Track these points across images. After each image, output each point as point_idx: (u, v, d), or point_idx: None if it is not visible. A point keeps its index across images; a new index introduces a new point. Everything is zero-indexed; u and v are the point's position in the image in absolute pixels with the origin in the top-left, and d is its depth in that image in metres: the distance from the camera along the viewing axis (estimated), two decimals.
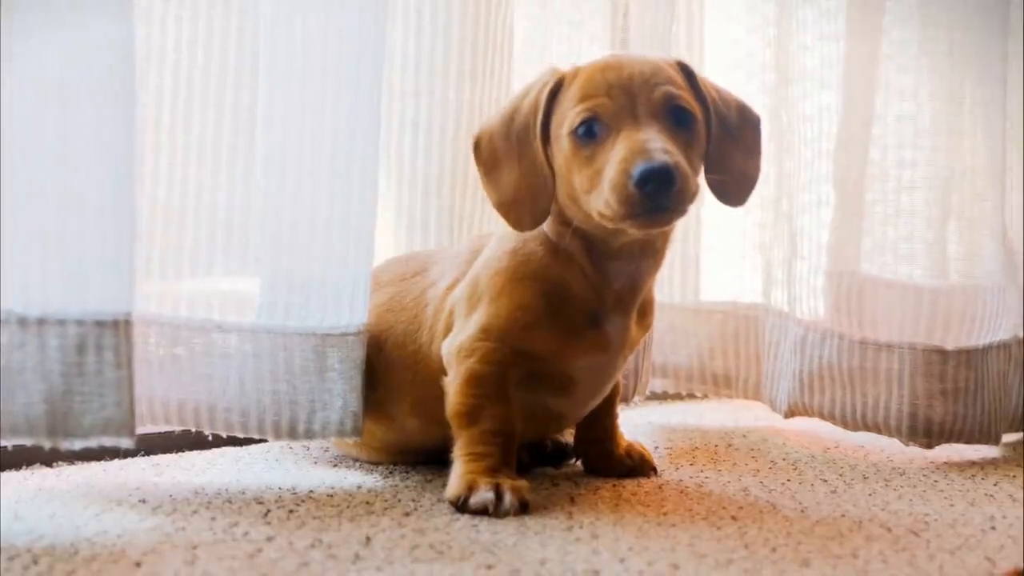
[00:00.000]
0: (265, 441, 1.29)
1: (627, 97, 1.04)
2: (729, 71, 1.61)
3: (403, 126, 1.37)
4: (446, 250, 1.26)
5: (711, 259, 1.65)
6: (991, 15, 1.44)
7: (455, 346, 1.11)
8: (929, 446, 1.40)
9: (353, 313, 1.15)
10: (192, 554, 0.90)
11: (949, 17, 1.43)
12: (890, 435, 1.40)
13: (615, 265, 1.11)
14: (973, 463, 1.36)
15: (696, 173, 1.06)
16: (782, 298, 1.50)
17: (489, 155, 1.11)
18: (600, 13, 1.52)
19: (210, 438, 1.21)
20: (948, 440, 1.39)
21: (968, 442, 1.40)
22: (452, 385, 1.11)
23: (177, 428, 1.16)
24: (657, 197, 0.99)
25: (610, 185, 1.00)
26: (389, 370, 1.18)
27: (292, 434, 1.15)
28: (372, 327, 1.18)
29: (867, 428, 1.42)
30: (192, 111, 1.16)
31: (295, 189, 1.13)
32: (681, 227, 1.59)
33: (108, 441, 0.99)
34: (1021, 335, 1.49)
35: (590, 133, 1.04)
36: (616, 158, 1.01)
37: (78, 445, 0.98)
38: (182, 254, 1.16)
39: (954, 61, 1.43)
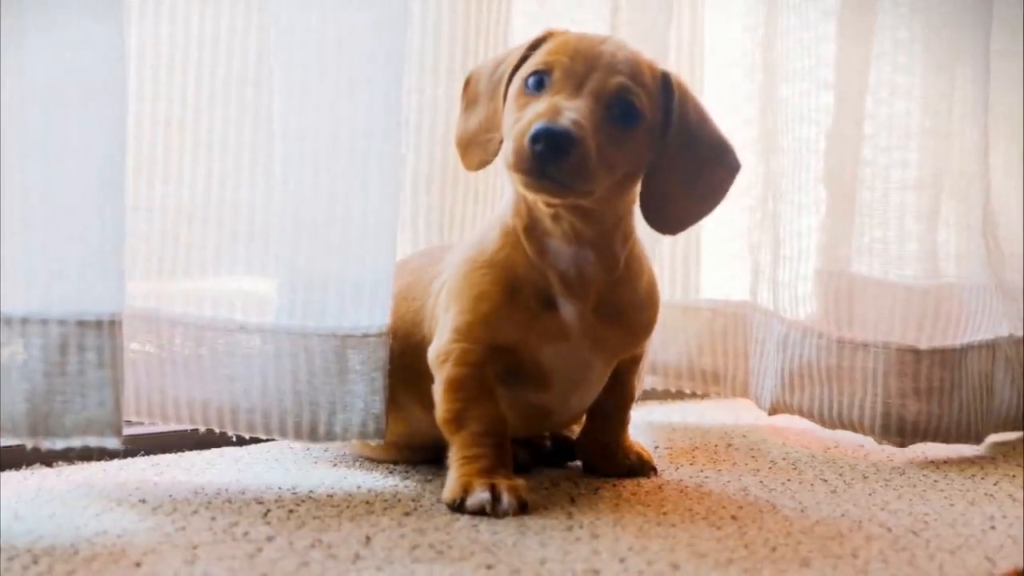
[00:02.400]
0: (267, 441, 1.29)
1: (585, 67, 1.05)
2: (727, 69, 1.61)
3: None
4: (459, 243, 1.27)
5: (706, 258, 1.65)
6: (978, 14, 1.44)
7: (435, 352, 1.12)
8: (902, 445, 1.40)
9: (374, 313, 1.15)
10: (192, 554, 0.90)
11: (940, 15, 1.43)
12: (864, 433, 1.41)
13: (554, 244, 1.10)
14: (973, 463, 1.36)
15: (612, 169, 1.04)
16: (767, 296, 1.50)
17: (473, 93, 1.15)
18: (599, 11, 1.52)
19: (233, 438, 1.20)
20: (923, 439, 1.39)
21: (945, 441, 1.40)
22: (437, 392, 1.11)
23: (202, 428, 1.17)
24: (544, 161, 0.99)
25: (514, 134, 1.01)
26: (400, 357, 1.18)
27: (313, 436, 1.15)
28: (391, 313, 1.18)
29: (843, 426, 1.42)
30: (215, 109, 1.16)
31: (314, 187, 1.14)
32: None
33: (92, 441, 0.99)
34: (1018, 335, 1.50)
35: (539, 85, 1.05)
36: (530, 112, 1.02)
37: (60, 445, 0.98)
38: (205, 253, 1.16)
39: (941, 60, 1.43)
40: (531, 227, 1.11)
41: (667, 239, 1.59)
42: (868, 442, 1.46)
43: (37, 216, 0.97)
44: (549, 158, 0.99)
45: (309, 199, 1.14)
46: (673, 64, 1.53)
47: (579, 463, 1.27)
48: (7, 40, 0.95)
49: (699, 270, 1.63)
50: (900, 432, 1.39)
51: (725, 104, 1.60)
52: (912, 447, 1.42)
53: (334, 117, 1.13)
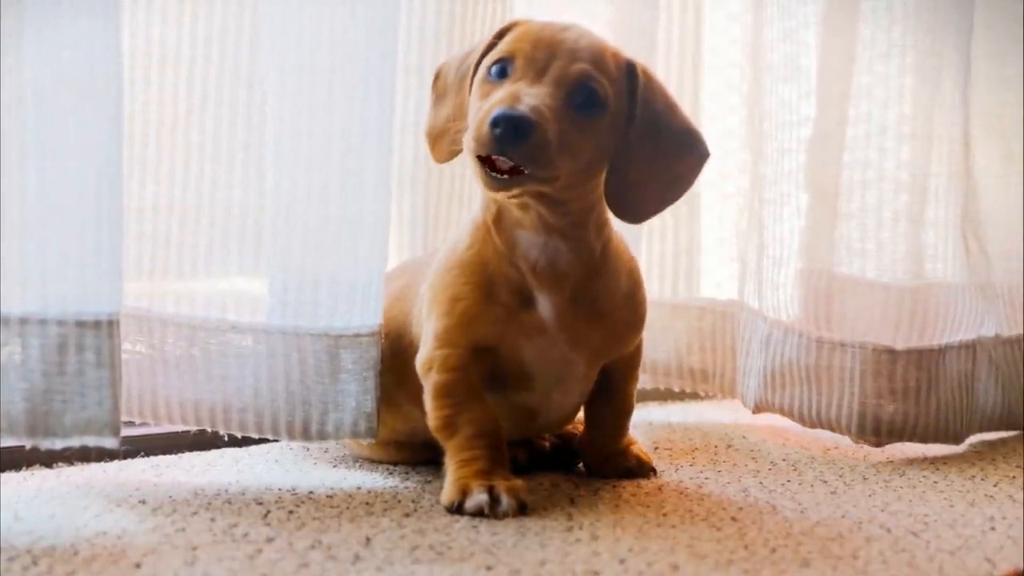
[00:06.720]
0: (267, 441, 1.29)
1: (546, 55, 1.05)
2: (725, 70, 1.61)
3: None
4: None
5: (704, 257, 1.65)
6: (960, 16, 1.45)
7: (420, 361, 1.12)
8: (878, 444, 1.41)
9: (366, 313, 1.15)
10: (192, 555, 0.90)
11: (922, 19, 1.43)
12: (841, 433, 1.41)
13: (523, 234, 1.10)
14: (973, 464, 1.36)
15: (575, 156, 1.04)
16: (754, 295, 1.51)
17: (442, 86, 1.15)
18: (594, 11, 1.52)
19: (226, 437, 1.20)
20: (899, 439, 1.40)
21: (923, 441, 1.41)
22: (426, 401, 1.11)
23: (194, 428, 1.18)
24: (504, 145, 0.99)
25: (475, 121, 1.02)
26: (393, 357, 1.18)
27: (306, 435, 1.16)
28: (385, 314, 1.18)
29: (821, 426, 1.42)
30: (207, 109, 1.16)
31: (306, 187, 1.14)
32: (658, 225, 1.59)
33: (91, 441, 0.99)
34: (1004, 335, 1.50)
35: (501, 73, 1.05)
36: (492, 99, 1.02)
37: (59, 445, 0.98)
38: (197, 253, 1.17)
39: (924, 63, 1.44)
40: (499, 218, 1.11)
41: (659, 236, 1.59)
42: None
43: (35, 216, 0.97)
44: (508, 142, 0.98)
45: (302, 199, 1.14)
46: (663, 63, 1.54)
47: (581, 465, 1.26)
48: (6, 40, 0.95)
49: (698, 268, 1.63)
50: (876, 432, 1.40)
51: (723, 104, 1.60)
52: (913, 448, 1.42)
53: (327, 117, 1.14)
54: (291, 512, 1.04)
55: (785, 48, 1.46)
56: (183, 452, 1.28)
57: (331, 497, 1.11)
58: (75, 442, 0.99)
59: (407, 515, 1.04)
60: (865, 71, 1.45)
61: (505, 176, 1.01)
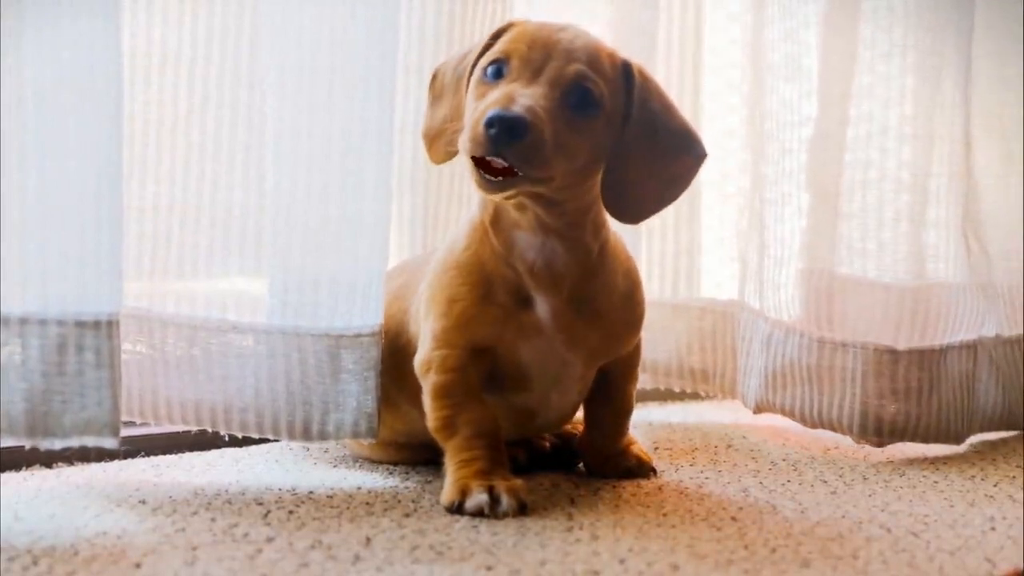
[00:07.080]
0: (267, 441, 1.29)
1: (542, 56, 1.05)
2: (725, 70, 1.61)
3: None
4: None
5: (706, 257, 1.65)
6: (961, 17, 1.45)
7: (419, 361, 1.12)
8: (880, 445, 1.41)
9: (367, 313, 1.15)
10: (192, 555, 0.90)
11: (924, 20, 1.43)
12: (843, 433, 1.42)
13: (521, 235, 1.10)
14: (973, 464, 1.36)
15: (570, 156, 1.04)
16: (754, 295, 1.51)
17: (439, 87, 1.15)
18: (593, 10, 1.52)
19: (226, 437, 1.21)
20: (901, 439, 1.40)
21: (924, 441, 1.41)
22: (425, 401, 1.11)
23: (194, 428, 1.18)
24: (498, 145, 0.99)
25: (470, 122, 1.02)
26: (391, 356, 1.18)
27: (306, 435, 1.16)
28: (383, 313, 1.18)
29: (823, 426, 1.43)
30: (207, 110, 1.16)
31: (306, 187, 1.14)
32: (658, 225, 1.59)
33: (90, 441, 0.99)
34: (1005, 335, 1.50)
35: (497, 73, 1.05)
36: (487, 100, 1.02)
37: (59, 445, 0.98)
38: (197, 253, 1.17)
39: (925, 63, 1.44)
40: (496, 218, 1.10)
41: (660, 236, 1.59)
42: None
43: (35, 216, 0.97)
44: (503, 142, 0.98)
45: (302, 199, 1.14)
46: (663, 63, 1.54)
47: (581, 465, 1.26)
48: (6, 40, 0.95)
49: (699, 268, 1.63)
50: (877, 432, 1.40)
51: (724, 104, 1.60)
52: (913, 448, 1.42)
53: (327, 118, 1.14)
54: (291, 512, 1.04)
55: (786, 48, 1.46)
56: (183, 452, 1.28)
57: (331, 497, 1.11)
58: (75, 442, 0.99)
59: (407, 515, 1.04)
60: (866, 71, 1.45)
61: (499, 178, 1.01)
